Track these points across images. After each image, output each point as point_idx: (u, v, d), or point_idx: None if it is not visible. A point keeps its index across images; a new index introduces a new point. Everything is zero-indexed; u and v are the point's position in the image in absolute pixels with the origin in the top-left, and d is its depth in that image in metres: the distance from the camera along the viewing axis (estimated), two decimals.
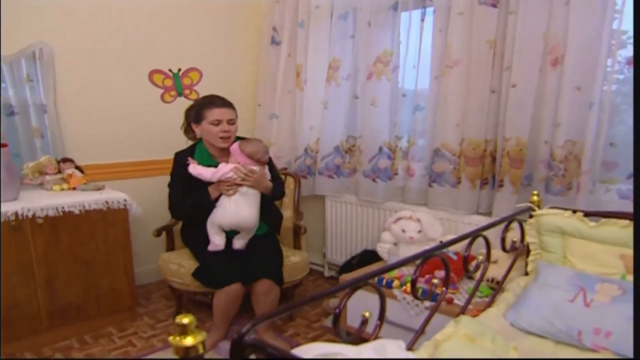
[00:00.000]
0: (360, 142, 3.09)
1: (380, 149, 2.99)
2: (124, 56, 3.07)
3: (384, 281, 2.35)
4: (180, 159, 2.52)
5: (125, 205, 2.60)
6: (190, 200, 2.48)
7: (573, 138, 2.27)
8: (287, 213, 3.01)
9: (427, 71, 2.74)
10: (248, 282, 2.39)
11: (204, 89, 3.41)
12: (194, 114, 2.49)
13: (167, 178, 3.18)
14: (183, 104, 3.31)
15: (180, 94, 3.33)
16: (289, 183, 3.09)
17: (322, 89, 3.21)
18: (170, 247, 2.85)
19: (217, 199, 2.45)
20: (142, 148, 3.22)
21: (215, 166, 2.45)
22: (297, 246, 2.92)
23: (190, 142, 2.67)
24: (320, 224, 3.49)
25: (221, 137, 2.42)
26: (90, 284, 2.57)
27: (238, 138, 2.54)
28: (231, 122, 2.44)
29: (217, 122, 2.40)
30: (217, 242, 2.45)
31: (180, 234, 2.77)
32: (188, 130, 2.61)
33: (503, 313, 1.81)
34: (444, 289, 1.71)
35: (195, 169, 2.42)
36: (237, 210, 2.41)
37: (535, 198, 2.07)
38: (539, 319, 1.67)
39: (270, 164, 2.61)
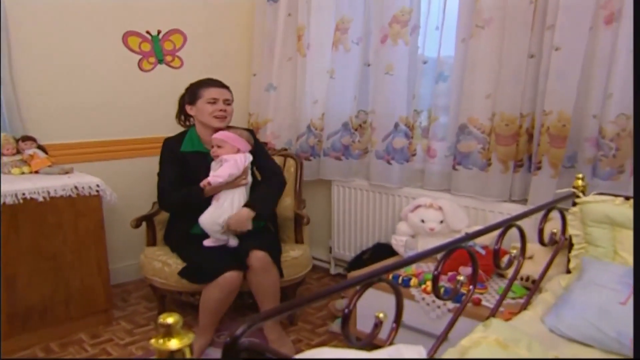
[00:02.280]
0: (373, 118, 3.07)
1: (396, 125, 2.97)
2: (93, 15, 3.04)
3: (400, 279, 2.35)
4: (168, 146, 2.68)
5: (97, 191, 2.59)
6: (182, 194, 2.58)
7: (627, 111, 2.24)
8: (287, 201, 3.01)
9: (453, 33, 2.72)
10: (244, 269, 2.43)
11: (188, 55, 3.40)
12: (189, 95, 2.68)
13: (147, 159, 3.18)
14: (164, 72, 3.32)
15: (160, 61, 3.31)
16: (290, 166, 3.08)
17: (328, 55, 3.19)
18: (152, 240, 2.85)
19: (208, 197, 2.55)
20: (117, 125, 3.20)
21: (206, 153, 2.61)
22: (298, 239, 2.92)
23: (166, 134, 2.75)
24: (325, 214, 3.49)
25: (216, 117, 2.60)
26: (57, 283, 2.57)
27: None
28: (227, 102, 2.65)
29: (214, 101, 2.60)
30: (223, 237, 2.51)
31: (163, 238, 2.83)
32: (181, 115, 2.80)
33: (541, 317, 1.80)
34: (470, 287, 1.69)
35: (220, 175, 2.48)
36: (241, 203, 2.55)
37: (579, 182, 2.05)
38: (584, 323, 1.66)
39: (265, 154, 2.78)
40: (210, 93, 2.61)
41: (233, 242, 2.53)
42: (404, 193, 3.02)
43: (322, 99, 3.28)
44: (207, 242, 2.52)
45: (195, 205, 2.53)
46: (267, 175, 2.68)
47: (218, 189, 2.52)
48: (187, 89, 2.72)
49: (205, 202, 2.54)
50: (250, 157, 2.60)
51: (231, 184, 2.53)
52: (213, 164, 2.57)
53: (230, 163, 2.51)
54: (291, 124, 3.43)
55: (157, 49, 3.28)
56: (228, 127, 2.66)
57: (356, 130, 3.21)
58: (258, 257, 2.43)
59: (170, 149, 2.66)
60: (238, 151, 2.55)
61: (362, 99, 3.16)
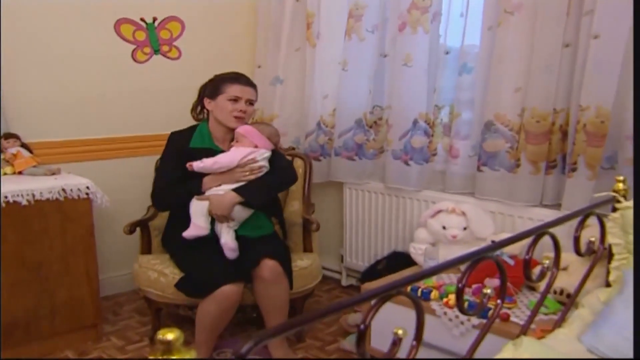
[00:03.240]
0: (389, 114, 3.07)
1: (415, 122, 2.96)
2: (83, 0, 3.04)
3: (419, 291, 2.34)
4: (175, 140, 2.70)
5: (87, 194, 2.60)
6: (181, 190, 2.59)
7: None
8: (295, 205, 3.01)
9: (478, 20, 2.71)
10: (246, 278, 2.42)
11: (186, 45, 3.40)
12: (211, 88, 2.69)
13: (142, 159, 3.17)
14: (160, 63, 3.32)
15: (156, 51, 3.32)
16: (297, 167, 3.06)
17: (340, 45, 3.19)
18: (147, 248, 2.85)
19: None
20: (109, 121, 3.21)
21: (215, 151, 2.62)
22: (307, 247, 2.92)
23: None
24: (336, 219, 3.49)
25: (235, 116, 2.62)
26: (42, 295, 2.56)
27: None
28: (250, 102, 2.67)
29: (236, 99, 2.62)
30: (203, 224, 2.50)
31: (161, 240, 2.84)
32: (197, 107, 2.80)
33: (577, 335, 1.78)
34: (498, 301, 1.67)
35: (205, 161, 2.53)
36: None
37: (620, 185, 2.02)
38: (627, 343, 1.63)
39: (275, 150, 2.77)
40: (234, 90, 2.61)
41: (230, 251, 2.49)
42: (423, 197, 3.01)
43: (333, 94, 3.27)
44: (185, 233, 2.50)
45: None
46: (272, 168, 2.66)
47: (213, 184, 2.55)
48: (210, 81, 2.73)
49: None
50: (265, 153, 2.59)
51: (228, 177, 2.54)
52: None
53: (225, 153, 2.55)
54: (299, 121, 3.43)
55: (152, 38, 3.29)
56: (253, 123, 2.68)
57: (371, 127, 3.20)
58: (269, 267, 2.42)
59: (177, 144, 2.67)
60: (255, 147, 2.58)
61: (377, 93, 3.15)
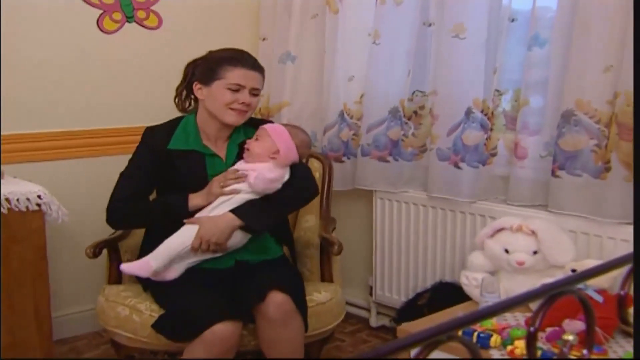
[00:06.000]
0: (434, 102, 3.07)
1: (468, 112, 2.95)
2: None
3: (475, 335, 2.30)
4: (152, 139, 2.67)
5: (39, 204, 2.60)
6: (155, 204, 2.63)
7: None
8: (310, 220, 3.01)
9: None
10: (246, 317, 2.42)
11: (168, 10, 3.43)
12: (204, 70, 2.67)
13: (111, 160, 3.17)
14: (134, 34, 3.35)
15: (129, 18, 3.34)
16: (314, 170, 3.07)
17: (371, 11, 3.21)
18: (116, 276, 2.85)
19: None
20: (68, 109, 3.23)
21: (203, 154, 2.64)
22: (325, 276, 2.90)
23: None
24: (364, 239, 3.50)
25: (235, 109, 2.60)
26: None
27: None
28: (255, 92, 2.66)
29: (237, 88, 2.59)
30: (155, 265, 2.47)
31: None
32: (182, 93, 2.78)
33: None
34: (583, 352, 1.64)
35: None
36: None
37: None
38: None
39: None
40: (235, 76, 2.58)
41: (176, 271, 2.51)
42: (478, 210, 3.01)
43: (360, 74, 3.30)
44: (124, 266, 2.53)
45: (170, 220, 2.53)
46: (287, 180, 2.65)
47: (206, 202, 2.54)
48: (203, 60, 2.70)
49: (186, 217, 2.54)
50: (286, 176, 2.57)
51: (207, 192, 2.55)
52: (238, 165, 2.58)
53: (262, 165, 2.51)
54: (316, 110, 3.46)
55: (124, 2, 3.31)
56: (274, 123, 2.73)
57: (410, 119, 3.21)
58: (278, 302, 2.40)
59: (152, 144, 2.65)
60: (275, 153, 2.53)
61: (418, 74, 3.17)
